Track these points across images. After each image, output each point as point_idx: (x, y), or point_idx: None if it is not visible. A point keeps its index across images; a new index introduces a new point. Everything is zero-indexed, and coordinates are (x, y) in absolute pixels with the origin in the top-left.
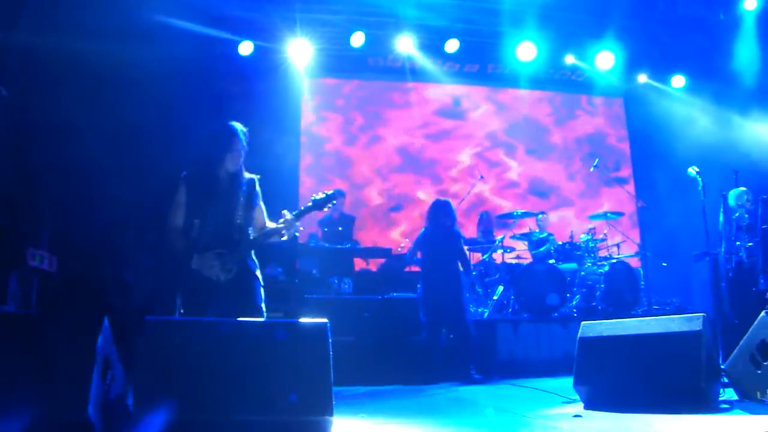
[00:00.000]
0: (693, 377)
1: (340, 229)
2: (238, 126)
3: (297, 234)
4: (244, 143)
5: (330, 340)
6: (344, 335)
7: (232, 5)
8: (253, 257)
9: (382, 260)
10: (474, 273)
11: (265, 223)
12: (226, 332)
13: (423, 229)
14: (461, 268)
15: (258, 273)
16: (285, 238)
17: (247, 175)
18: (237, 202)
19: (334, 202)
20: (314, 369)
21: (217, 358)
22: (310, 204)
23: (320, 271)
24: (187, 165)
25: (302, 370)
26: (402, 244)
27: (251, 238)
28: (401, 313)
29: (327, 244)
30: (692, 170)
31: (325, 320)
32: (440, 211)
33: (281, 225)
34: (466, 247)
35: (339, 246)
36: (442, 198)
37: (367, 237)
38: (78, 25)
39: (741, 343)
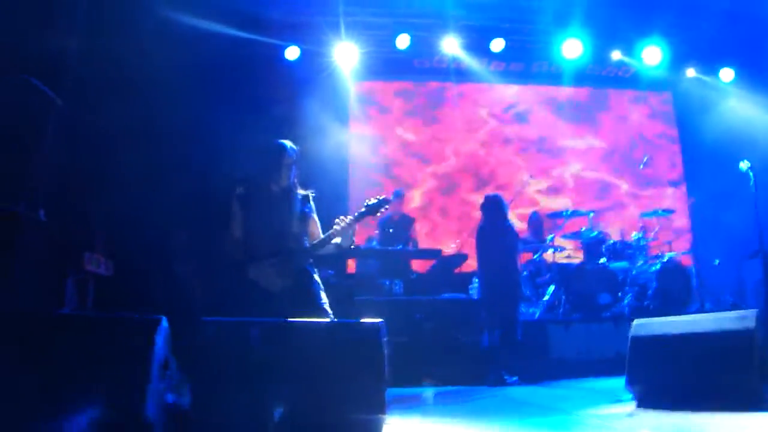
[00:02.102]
0: (746, 376)
1: (391, 230)
2: (288, 143)
3: (353, 241)
4: (295, 159)
5: (385, 340)
6: (395, 336)
7: (278, 10)
8: (311, 263)
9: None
10: (525, 273)
11: (319, 235)
12: (281, 332)
13: (478, 225)
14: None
15: (317, 276)
16: (340, 243)
17: (300, 191)
18: (291, 214)
19: (387, 207)
20: (369, 368)
21: (273, 358)
22: (363, 209)
23: (377, 273)
24: (240, 180)
25: (357, 369)
26: (452, 245)
27: (307, 246)
28: (451, 314)
29: (378, 246)
30: (743, 165)
31: (380, 320)
32: (492, 206)
33: (334, 231)
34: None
35: (390, 248)
36: (492, 193)
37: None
38: (126, 34)
39: None
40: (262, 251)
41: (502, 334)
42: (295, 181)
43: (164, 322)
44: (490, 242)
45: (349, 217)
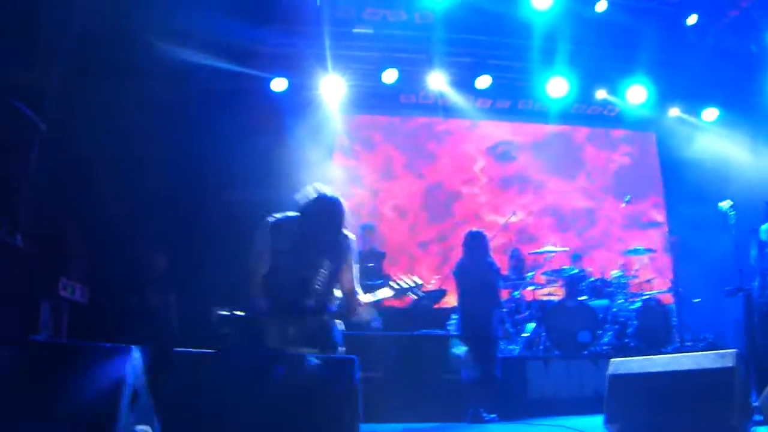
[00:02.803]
0: (725, 414)
1: (370, 265)
2: (344, 203)
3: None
4: (347, 219)
5: (358, 375)
6: (372, 371)
7: (266, 42)
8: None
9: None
10: (505, 310)
11: (353, 287)
12: (254, 365)
13: (457, 263)
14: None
15: (335, 326)
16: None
17: (347, 234)
18: (321, 265)
19: (418, 292)
20: (343, 403)
21: (246, 391)
22: (391, 293)
23: None
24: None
25: (331, 404)
26: (432, 281)
27: (329, 305)
28: (429, 350)
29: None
30: (724, 204)
31: (353, 355)
32: (474, 242)
33: (362, 311)
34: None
35: (369, 282)
36: (475, 229)
37: (394, 273)
38: (113, 63)
39: None
40: (282, 300)
41: (481, 371)
42: (340, 231)
43: (135, 352)
44: (470, 279)
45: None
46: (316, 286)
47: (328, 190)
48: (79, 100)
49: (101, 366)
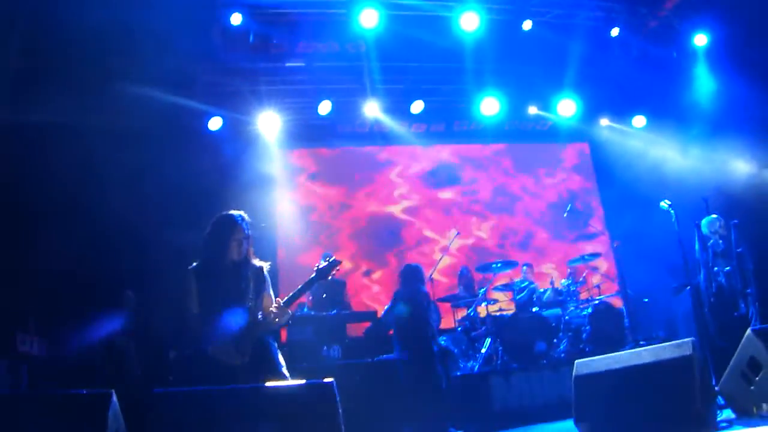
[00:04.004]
0: (689, 401)
1: (324, 296)
2: (239, 213)
3: (289, 320)
4: (247, 231)
5: (338, 398)
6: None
7: (199, 79)
8: (269, 334)
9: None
10: (459, 329)
11: (272, 308)
12: (233, 400)
13: (395, 292)
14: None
15: (273, 344)
16: (279, 321)
17: (256, 262)
18: (246, 289)
19: (338, 267)
20: (325, 426)
21: (226, 426)
22: (314, 274)
23: (313, 340)
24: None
25: (314, 429)
26: (386, 307)
27: (261, 320)
28: (391, 374)
29: (311, 311)
30: (664, 203)
31: (331, 379)
32: (410, 274)
33: (274, 311)
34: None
35: (324, 313)
36: (411, 263)
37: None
38: (51, 102)
39: (731, 362)
40: (220, 328)
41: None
42: (249, 252)
43: (114, 397)
44: (406, 308)
45: (300, 286)
46: (248, 305)
47: (224, 214)
48: (25, 139)
49: (83, 413)
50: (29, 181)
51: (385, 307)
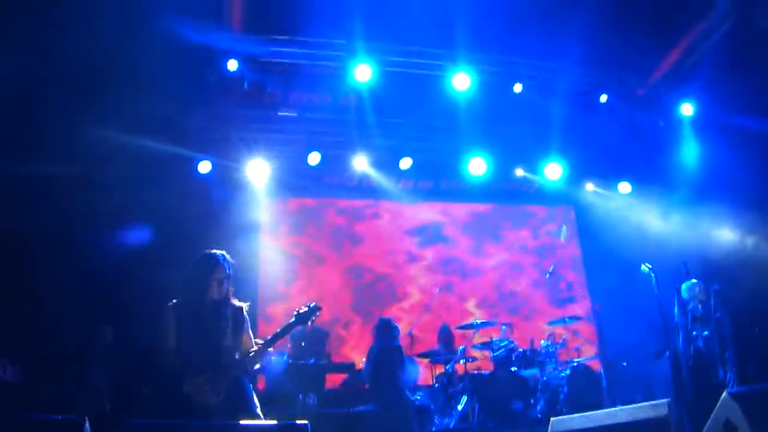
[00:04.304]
0: None
1: (303, 344)
2: (221, 253)
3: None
4: (228, 271)
5: None
6: None
7: (191, 123)
8: (244, 375)
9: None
10: (436, 385)
11: (252, 347)
12: None
13: (370, 347)
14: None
15: (248, 385)
16: (256, 361)
17: (235, 302)
18: (225, 328)
19: (318, 314)
20: None
21: None
22: (293, 319)
23: (290, 387)
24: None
25: None
26: (364, 359)
27: (238, 360)
28: (367, 426)
29: (289, 359)
30: (645, 267)
31: (305, 422)
32: (383, 329)
33: (253, 353)
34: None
35: (302, 361)
36: (384, 317)
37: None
38: (38, 141)
39: (707, 425)
40: (196, 366)
41: None
42: (229, 292)
43: (86, 425)
44: (380, 361)
45: (278, 330)
46: (225, 344)
47: (205, 253)
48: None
49: None
50: (13, 223)
51: (363, 361)
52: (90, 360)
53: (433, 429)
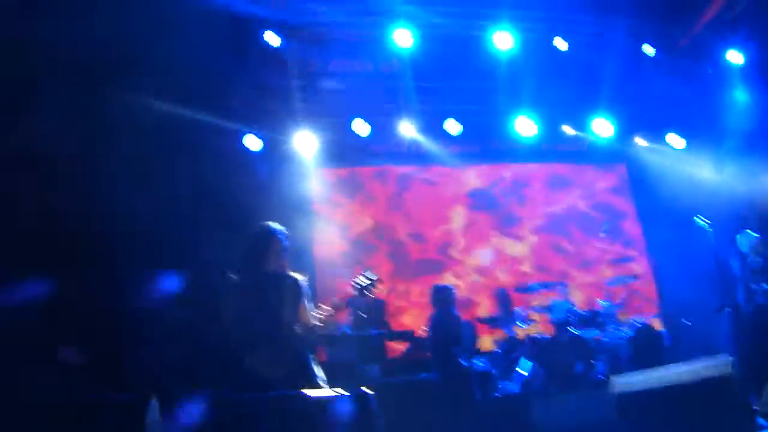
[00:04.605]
0: (728, 420)
1: (362, 315)
2: (277, 226)
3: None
4: (285, 243)
5: (377, 410)
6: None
7: (236, 95)
8: (306, 346)
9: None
10: (497, 351)
11: (309, 320)
12: (270, 407)
13: (430, 316)
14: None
15: (311, 355)
16: (319, 331)
17: (293, 274)
18: (283, 301)
19: (377, 284)
20: None
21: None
22: (353, 290)
23: (353, 359)
24: (232, 268)
25: None
26: (423, 326)
27: (299, 332)
28: (430, 393)
29: (350, 331)
30: (700, 219)
31: (370, 391)
32: (440, 297)
33: (313, 324)
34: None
35: (363, 333)
36: (441, 284)
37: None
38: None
39: None
40: (255, 339)
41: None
42: (286, 265)
43: (153, 401)
44: (438, 329)
45: (334, 302)
46: (284, 317)
47: (262, 225)
48: (65, 156)
49: (122, 417)
50: (67, 199)
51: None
52: (151, 340)
53: (497, 394)
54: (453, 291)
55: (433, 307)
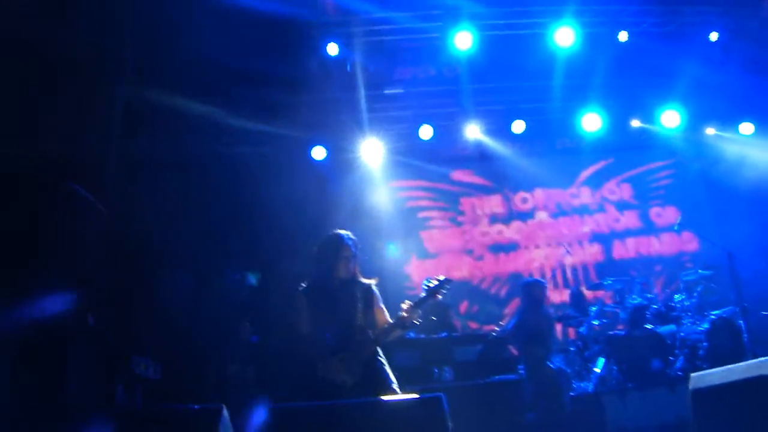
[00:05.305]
0: None
1: (433, 318)
2: (346, 233)
3: (416, 326)
4: (354, 250)
5: (448, 412)
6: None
7: (302, 107)
8: (379, 351)
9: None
10: (572, 349)
11: (386, 323)
12: (343, 415)
13: (519, 309)
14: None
15: (382, 358)
16: (406, 330)
17: (364, 280)
18: (354, 307)
19: (448, 287)
20: None
21: None
22: (424, 294)
23: (420, 362)
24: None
25: None
26: (496, 328)
27: (372, 337)
28: (504, 396)
29: (421, 335)
30: None
31: (440, 394)
32: (530, 290)
33: (400, 319)
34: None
35: (434, 336)
36: (530, 278)
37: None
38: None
39: None
40: (330, 346)
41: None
42: (356, 271)
43: (224, 411)
44: (527, 328)
45: (408, 303)
46: (357, 323)
47: (330, 233)
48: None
49: (194, 427)
50: (145, 215)
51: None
52: (229, 353)
53: (572, 393)
54: (544, 286)
55: (520, 302)
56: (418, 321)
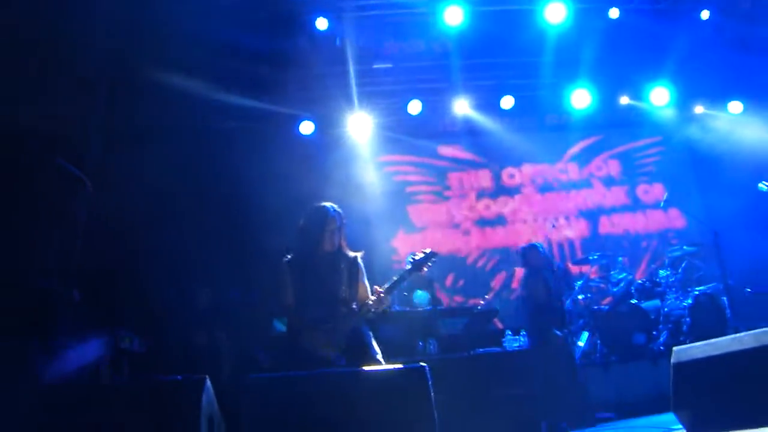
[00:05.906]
0: None
1: (419, 291)
2: (331, 205)
3: (388, 307)
4: (339, 222)
5: (431, 383)
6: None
7: (288, 84)
8: (364, 323)
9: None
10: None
11: (368, 297)
12: (326, 384)
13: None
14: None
15: (368, 333)
16: (380, 309)
17: (349, 253)
18: (339, 279)
19: (434, 260)
20: (418, 413)
21: (320, 409)
22: (409, 266)
23: (405, 336)
24: (287, 247)
25: (406, 415)
26: (481, 302)
27: (356, 310)
28: (489, 368)
29: (406, 308)
30: (763, 185)
31: (423, 364)
32: (527, 256)
33: (374, 299)
34: None
35: (419, 309)
36: (525, 244)
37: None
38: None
39: None
40: (314, 319)
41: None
42: (342, 243)
43: (208, 382)
44: (535, 296)
45: (395, 277)
46: (342, 295)
47: (315, 205)
48: (118, 152)
49: (179, 397)
50: (129, 185)
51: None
52: (194, 323)
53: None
54: (538, 249)
55: (522, 270)
56: (387, 309)
